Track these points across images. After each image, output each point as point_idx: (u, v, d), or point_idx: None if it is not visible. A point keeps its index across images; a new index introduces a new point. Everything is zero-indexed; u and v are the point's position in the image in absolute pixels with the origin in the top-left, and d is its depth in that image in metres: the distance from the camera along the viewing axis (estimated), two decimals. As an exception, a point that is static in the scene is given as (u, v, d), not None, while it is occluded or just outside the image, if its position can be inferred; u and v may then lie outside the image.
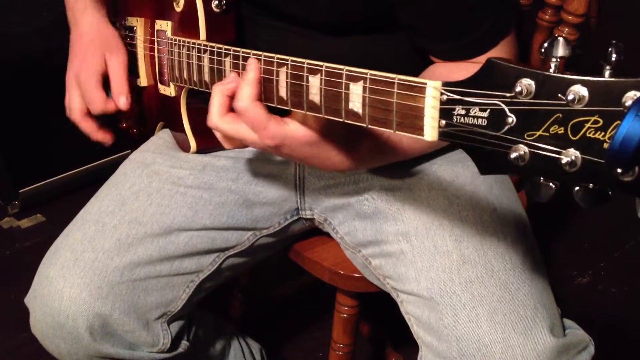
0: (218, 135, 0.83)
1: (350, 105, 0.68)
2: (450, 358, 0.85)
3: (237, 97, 0.76)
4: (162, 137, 1.12)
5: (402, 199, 0.97)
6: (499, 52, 0.89)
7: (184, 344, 1.07)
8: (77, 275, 0.93)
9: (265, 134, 0.73)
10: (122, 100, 1.04)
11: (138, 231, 0.98)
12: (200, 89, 0.93)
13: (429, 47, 0.93)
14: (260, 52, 0.78)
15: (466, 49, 0.90)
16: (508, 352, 0.82)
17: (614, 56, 0.48)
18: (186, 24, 0.98)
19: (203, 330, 1.15)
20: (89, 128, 1.09)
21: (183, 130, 1.04)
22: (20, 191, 2.08)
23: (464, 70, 0.89)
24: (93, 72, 1.04)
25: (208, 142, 1.04)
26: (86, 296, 0.93)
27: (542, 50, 0.53)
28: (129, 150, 1.16)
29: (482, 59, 0.89)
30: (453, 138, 0.58)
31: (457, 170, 0.99)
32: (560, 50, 0.52)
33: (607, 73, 0.48)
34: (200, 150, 1.05)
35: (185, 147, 1.06)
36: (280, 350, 1.65)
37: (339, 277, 1.12)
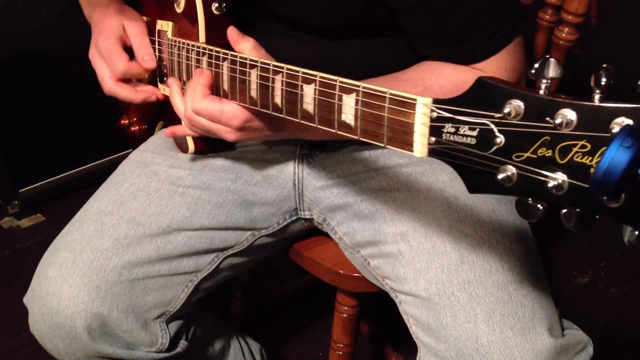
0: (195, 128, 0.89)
1: (343, 117, 0.68)
2: (449, 358, 0.85)
3: (185, 106, 0.87)
4: (162, 137, 1.12)
5: (400, 199, 0.97)
6: (501, 57, 0.89)
7: (183, 344, 1.07)
8: (76, 275, 0.93)
9: (224, 118, 0.83)
10: (146, 57, 1.02)
11: (137, 231, 0.98)
12: None
13: (431, 52, 0.93)
14: (256, 59, 0.78)
15: (468, 55, 0.89)
16: (506, 352, 0.81)
17: (603, 80, 0.48)
18: (186, 26, 0.98)
19: (202, 330, 1.14)
20: (126, 93, 1.04)
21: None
22: (20, 191, 2.08)
23: (463, 72, 0.89)
24: (111, 34, 1.02)
25: (206, 145, 1.04)
26: (84, 296, 0.93)
27: (533, 71, 0.52)
28: (129, 150, 1.16)
29: (484, 64, 0.89)
30: (442, 155, 0.58)
31: (455, 171, 0.98)
32: (551, 72, 0.52)
33: (596, 97, 0.48)
34: (199, 152, 1.05)
35: (183, 148, 1.06)
36: (280, 350, 1.65)
37: (339, 277, 1.12)
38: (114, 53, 1.01)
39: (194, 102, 0.85)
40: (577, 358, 0.87)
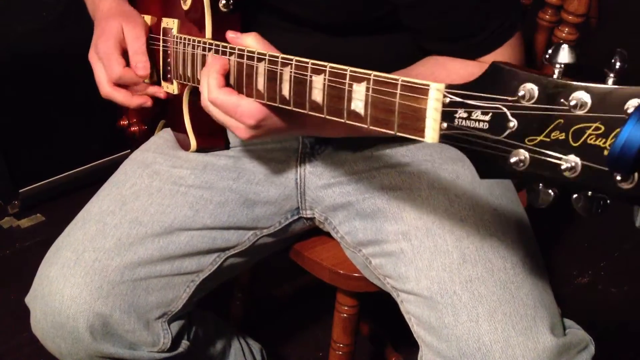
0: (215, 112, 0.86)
1: (353, 106, 0.68)
2: (450, 357, 0.85)
3: (202, 92, 0.84)
4: (163, 136, 1.13)
5: (402, 198, 0.97)
6: (505, 51, 0.90)
7: (184, 344, 1.07)
8: (78, 275, 0.93)
9: (239, 114, 0.80)
10: (139, 65, 1.01)
11: (139, 231, 0.98)
12: None
13: (436, 48, 0.93)
14: (264, 52, 0.78)
15: (471, 50, 0.90)
16: (508, 351, 0.82)
17: (617, 64, 0.48)
18: (192, 22, 0.98)
19: (203, 330, 1.15)
20: (122, 97, 1.05)
21: (184, 129, 1.04)
22: (20, 191, 2.07)
23: (471, 66, 0.89)
24: (108, 38, 1.02)
25: (208, 142, 1.05)
26: (87, 296, 0.93)
27: (547, 56, 0.53)
28: (129, 150, 1.16)
29: (488, 58, 0.90)
30: (454, 141, 0.58)
31: (457, 169, 0.99)
32: (565, 57, 0.52)
33: (610, 80, 0.48)
34: (200, 150, 1.05)
35: (185, 146, 1.06)
36: (280, 350, 1.65)
37: (339, 276, 1.12)
38: (111, 58, 1.02)
39: (211, 92, 0.83)
40: (578, 357, 0.87)
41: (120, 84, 1.04)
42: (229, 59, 0.84)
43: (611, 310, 1.80)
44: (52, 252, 0.98)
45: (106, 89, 1.04)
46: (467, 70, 0.89)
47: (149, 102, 1.06)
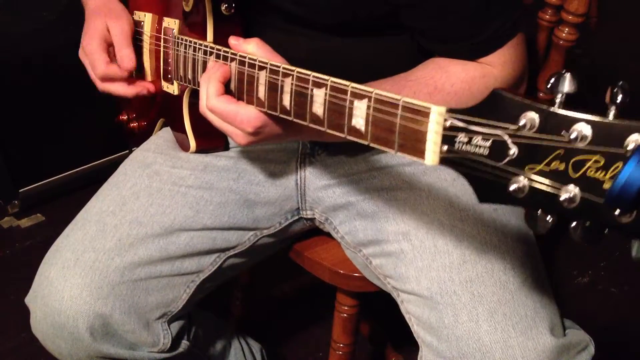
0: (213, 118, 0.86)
1: (354, 122, 0.68)
2: (450, 358, 0.85)
3: (201, 99, 0.85)
4: (163, 136, 1.13)
5: (402, 198, 0.97)
6: (506, 51, 0.89)
7: (184, 344, 1.07)
8: (78, 276, 0.93)
9: (238, 121, 0.81)
10: (125, 58, 1.02)
11: (139, 231, 0.98)
12: None
13: (437, 48, 0.93)
14: (266, 61, 0.78)
15: (472, 50, 0.90)
16: (508, 351, 0.82)
17: (619, 97, 0.48)
18: (194, 24, 0.98)
19: (203, 330, 1.15)
20: (117, 88, 1.07)
21: (183, 130, 1.04)
22: (20, 191, 2.07)
23: (472, 68, 0.89)
24: (92, 37, 1.04)
25: (207, 143, 1.05)
26: (87, 296, 0.93)
27: (549, 85, 0.53)
28: (129, 150, 1.16)
29: (489, 59, 0.89)
30: (454, 164, 0.58)
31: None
32: (567, 86, 0.52)
33: (611, 114, 0.48)
34: (200, 150, 1.05)
35: (184, 147, 1.06)
36: (280, 350, 1.65)
37: (339, 276, 1.12)
38: (95, 56, 1.04)
39: (209, 100, 0.83)
40: (578, 358, 0.87)
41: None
42: (229, 66, 0.84)
43: (611, 310, 1.80)
44: (52, 252, 0.98)
45: (99, 85, 1.07)
46: (468, 74, 0.89)
47: (145, 90, 1.08)
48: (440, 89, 0.88)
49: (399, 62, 0.93)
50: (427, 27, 0.91)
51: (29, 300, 0.99)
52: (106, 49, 1.05)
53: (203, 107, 0.85)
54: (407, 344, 0.95)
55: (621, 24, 2.47)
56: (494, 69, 0.89)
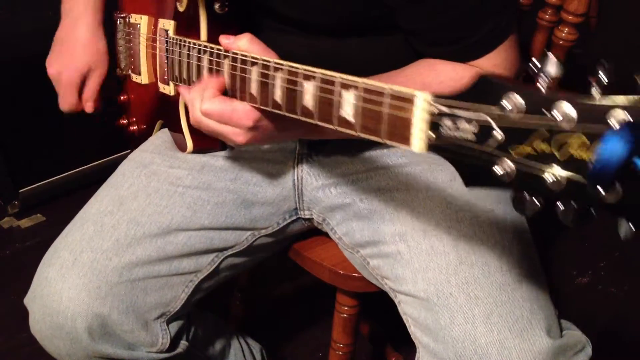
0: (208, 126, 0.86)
1: (342, 113, 0.68)
2: (447, 359, 0.85)
3: (193, 107, 0.85)
4: (161, 137, 1.13)
5: (399, 199, 0.97)
6: (497, 55, 0.89)
7: (183, 344, 1.07)
8: (76, 276, 0.94)
9: (236, 117, 0.80)
10: (88, 108, 1.16)
11: (137, 231, 0.98)
12: None
13: (428, 51, 0.93)
14: (257, 56, 0.78)
15: (462, 53, 0.89)
16: (504, 353, 0.81)
17: (600, 74, 0.48)
18: (188, 24, 0.98)
19: (202, 330, 1.15)
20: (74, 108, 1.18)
21: (180, 130, 1.04)
22: (20, 191, 2.08)
23: (461, 69, 0.89)
24: (75, 77, 1.13)
25: (205, 143, 1.05)
26: (85, 297, 0.93)
27: (533, 67, 0.53)
28: (128, 151, 1.16)
29: (480, 62, 0.89)
30: (440, 150, 0.59)
31: (454, 171, 0.98)
32: (551, 68, 0.52)
33: (594, 92, 0.48)
34: (197, 151, 1.06)
35: (182, 147, 1.06)
36: (280, 350, 1.66)
37: (339, 277, 1.12)
38: (67, 92, 1.14)
39: (204, 103, 0.82)
40: (575, 359, 0.87)
41: None
42: (219, 68, 0.85)
43: (611, 310, 1.79)
44: (51, 253, 0.98)
45: (60, 106, 1.18)
46: (457, 73, 0.89)
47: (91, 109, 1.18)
48: (427, 86, 0.88)
49: (395, 64, 0.93)
50: (417, 29, 0.91)
51: (27, 300, 0.99)
52: (79, 86, 1.14)
53: (196, 115, 0.84)
54: (407, 344, 0.95)
55: (621, 24, 2.47)
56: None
